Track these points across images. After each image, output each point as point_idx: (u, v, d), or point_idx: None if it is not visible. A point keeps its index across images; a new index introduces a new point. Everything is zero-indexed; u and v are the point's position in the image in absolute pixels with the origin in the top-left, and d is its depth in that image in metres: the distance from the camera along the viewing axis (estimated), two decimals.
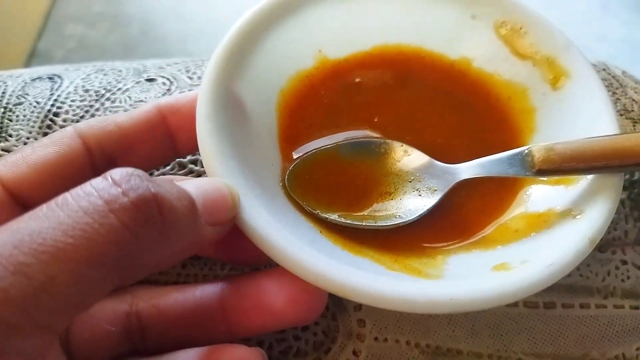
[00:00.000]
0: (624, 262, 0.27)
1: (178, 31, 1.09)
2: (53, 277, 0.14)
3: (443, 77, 0.29)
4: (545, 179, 0.25)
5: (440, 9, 0.29)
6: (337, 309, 0.25)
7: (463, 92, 0.29)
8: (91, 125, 0.22)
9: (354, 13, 0.29)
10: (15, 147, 0.27)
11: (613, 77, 0.36)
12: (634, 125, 0.32)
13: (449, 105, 0.29)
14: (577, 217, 0.23)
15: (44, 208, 0.16)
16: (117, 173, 0.17)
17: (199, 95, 0.23)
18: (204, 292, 0.22)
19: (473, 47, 0.29)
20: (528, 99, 0.28)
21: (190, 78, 0.31)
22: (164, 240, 0.17)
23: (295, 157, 0.26)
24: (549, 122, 0.27)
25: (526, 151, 0.23)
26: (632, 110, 0.32)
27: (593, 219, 0.22)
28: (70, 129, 0.22)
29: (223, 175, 0.21)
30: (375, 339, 0.24)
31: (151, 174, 0.26)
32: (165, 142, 0.24)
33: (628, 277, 0.27)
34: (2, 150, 0.27)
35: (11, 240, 0.15)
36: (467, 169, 0.25)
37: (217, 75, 0.24)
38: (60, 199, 0.16)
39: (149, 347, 0.22)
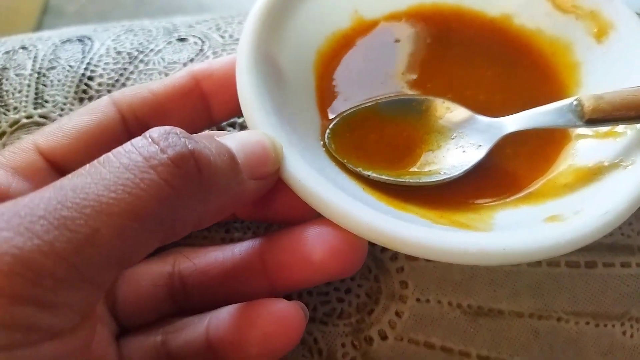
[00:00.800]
0: None
1: None
2: (97, 230, 0.15)
3: (483, 34, 0.29)
4: (594, 129, 0.25)
5: None
6: (379, 271, 0.25)
7: (505, 48, 0.28)
8: (125, 93, 0.23)
9: None
10: (52, 113, 0.27)
11: None
12: None
13: (491, 62, 0.28)
14: (627, 167, 0.22)
15: (87, 166, 0.16)
16: (156, 131, 0.17)
17: (238, 55, 0.23)
18: (243, 248, 0.22)
19: (513, 3, 0.29)
20: (572, 53, 0.27)
21: (222, 37, 0.30)
22: (203, 195, 0.17)
23: (334, 117, 0.26)
24: (595, 77, 0.27)
25: (575, 102, 0.23)
26: None
27: None
28: (105, 98, 0.22)
29: (264, 129, 0.21)
30: (418, 300, 0.24)
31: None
32: (199, 107, 0.24)
33: None
34: (40, 116, 0.27)
35: (55, 195, 0.15)
36: (514, 122, 0.25)
37: (254, 37, 0.23)
38: (102, 157, 0.17)
39: (192, 306, 0.22)
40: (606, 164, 0.24)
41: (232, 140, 0.20)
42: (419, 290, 0.24)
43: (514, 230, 0.21)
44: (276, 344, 0.20)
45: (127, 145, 0.17)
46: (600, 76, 0.26)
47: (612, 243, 0.26)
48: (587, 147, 0.25)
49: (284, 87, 0.24)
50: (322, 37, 0.27)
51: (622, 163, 0.23)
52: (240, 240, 0.25)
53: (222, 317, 0.21)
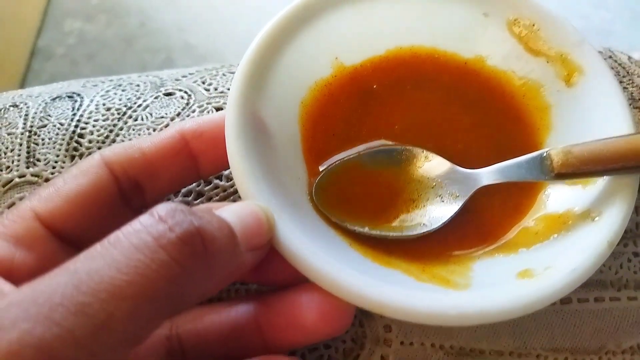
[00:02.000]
0: (636, 254, 0.28)
1: (176, 21, 1.09)
2: (112, 314, 0.15)
3: (457, 77, 0.30)
4: (564, 182, 0.26)
5: (452, 8, 0.29)
6: (363, 316, 0.26)
7: (478, 91, 0.30)
8: (116, 152, 0.23)
9: (366, 18, 0.29)
10: (44, 172, 0.28)
11: (619, 64, 0.36)
12: None
13: (465, 106, 0.29)
14: (595, 219, 0.24)
15: (98, 247, 0.17)
16: (162, 209, 0.18)
17: (226, 119, 0.24)
18: (239, 312, 0.23)
19: (486, 45, 0.30)
20: (543, 96, 0.28)
21: (207, 90, 0.32)
22: (208, 271, 0.18)
23: (320, 169, 0.27)
24: (565, 120, 0.28)
25: (545, 154, 0.24)
26: None
27: (611, 222, 0.23)
28: (97, 157, 0.23)
29: (257, 197, 0.22)
30: (402, 343, 0.25)
31: (188, 203, 0.27)
32: (188, 165, 0.24)
33: None
34: (32, 175, 0.28)
35: (71, 280, 0.16)
36: (487, 175, 0.26)
37: (240, 98, 0.24)
38: (112, 237, 0.17)
39: None
40: (576, 211, 0.25)
41: (229, 213, 0.20)
42: (402, 333, 0.25)
43: (488, 288, 0.23)
44: None
45: (136, 224, 0.18)
46: (569, 119, 0.28)
47: None
48: (559, 194, 0.26)
49: (272, 144, 0.25)
50: (305, 87, 0.28)
51: (590, 214, 0.24)
52: (228, 291, 0.26)
53: None
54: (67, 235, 0.22)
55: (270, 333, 0.22)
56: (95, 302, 0.15)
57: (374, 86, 0.30)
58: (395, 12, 0.29)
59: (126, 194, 0.23)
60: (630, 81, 0.34)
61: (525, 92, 0.29)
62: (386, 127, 0.29)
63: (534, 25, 0.29)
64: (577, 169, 0.24)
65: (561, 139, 0.27)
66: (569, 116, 0.28)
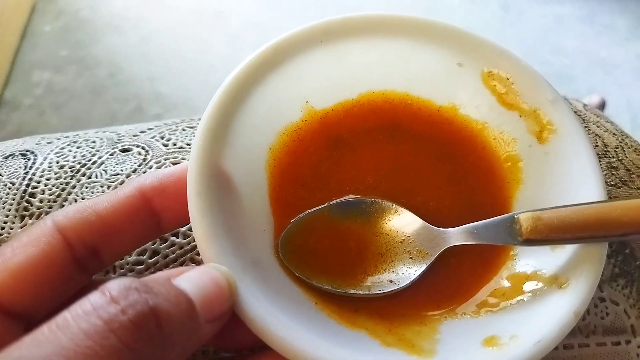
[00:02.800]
0: (602, 299, 0.28)
1: (146, 71, 1.09)
2: None
3: (430, 125, 0.29)
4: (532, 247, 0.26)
5: (427, 56, 0.29)
6: None
7: (450, 141, 0.29)
8: (70, 217, 0.22)
9: (339, 61, 0.29)
10: None
11: (575, 112, 0.37)
12: (600, 161, 0.33)
13: (437, 157, 0.29)
14: (562, 286, 0.23)
15: (45, 331, 0.16)
16: (115, 288, 0.17)
17: (188, 176, 0.23)
18: None
19: (459, 94, 0.29)
20: (514, 149, 0.28)
21: (165, 145, 0.31)
22: (163, 350, 0.17)
23: (287, 219, 0.26)
24: (535, 175, 0.27)
25: (515, 217, 0.24)
26: (596, 146, 0.34)
27: (578, 292, 0.23)
28: (49, 223, 0.22)
29: (218, 259, 0.21)
30: None
31: (142, 262, 0.26)
32: (148, 224, 0.23)
33: (607, 314, 0.28)
34: None
35: None
36: (456, 235, 0.25)
37: (202, 152, 0.23)
38: (60, 320, 0.16)
39: None
40: (544, 274, 0.25)
41: (188, 283, 0.19)
42: None
43: (454, 356, 0.22)
44: None
45: (86, 305, 0.17)
46: (539, 175, 0.27)
47: None
48: (527, 255, 0.26)
49: (237, 198, 0.25)
50: (274, 132, 0.27)
51: (558, 280, 0.24)
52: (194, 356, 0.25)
53: None
54: (16, 310, 0.20)
55: None
56: None
57: (345, 135, 0.29)
58: (368, 57, 0.29)
59: (81, 260, 0.22)
60: (587, 128, 0.35)
61: (497, 145, 0.29)
62: (357, 178, 0.28)
63: (508, 78, 0.28)
64: (545, 236, 0.23)
65: (530, 194, 0.27)
66: (539, 172, 0.27)
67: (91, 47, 1.13)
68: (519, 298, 0.24)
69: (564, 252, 0.25)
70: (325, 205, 0.27)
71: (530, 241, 0.23)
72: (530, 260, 0.25)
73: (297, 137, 0.28)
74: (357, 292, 0.25)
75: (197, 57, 1.06)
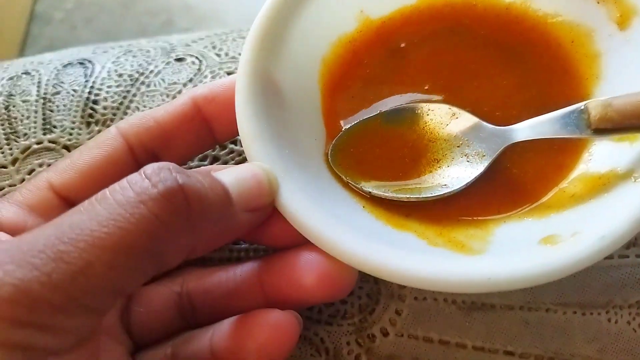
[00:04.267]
0: None
1: None
2: (90, 263, 0.16)
3: (498, 27, 0.27)
4: (604, 138, 0.23)
5: None
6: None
7: (520, 41, 0.27)
8: (131, 123, 0.24)
9: None
10: (61, 138, 0.29)
11: None
12: None
13: (505, 60, 0.27)
14: (637, 180, 0.21)
15: (85, 203, 0.18)
16: (150, 168, 0.18)
17: (237, 81, 0.23)
18: (244, 270, 0.24)
19: None
20: (593, 42, 0.25)
21: (218, 55, 0.31)
22: (193, 228, 0.18)
23: (339, 130, 0.26)
24: (617, 68, 0.25)
25: (582, 107, 0.22)
26: None
27: None
28: (113, 130, 0.24)
29: (262, 159, 0.22)
30: (415, 298, 0.25)
31: (189, 167, 0.27)
32: (203, 132, 0.25)
33: None
34: (50, 141, 0.29)
35: (54, 232, 0.17)
36: (518, 131, 0.24)
37: (251, 60, 0.24)
38: (99, 194, 0.18)
39: (199, 322, 0.24)
40: (619, 171, 0.22)
41: (227, 175, 0.21)
42: (416, 289, 0.26)
43: (504, 255, 0.21)
44: (272, 351, 0.21)
45: (123, 182, 0.18)
46: (622, 68, 0.24)
47: None
48: (603, 151, 0.24)
49: (287, 106, 0.25)
50: (326, 43, 0.27)
51: (633, 174, 0.21)
52: (247, 251, 0.27)
53: (223, 329, 0.22)
54: None
55: (271, 293, 0.23)
56: (74, 250, 0.16)
57: (402, 44, 0.27)
58: None
59: (142, 164, 0.23)
60: None
61: (573, 38, 0.26)
62: (414, 88, 0.27)
63: None
64: (617, 124, 0.21)
65: (612, 90, 0.24)
66: (622, 64, 0.24)
67: None
68: (589, 199, 0.22)
69: None
70: (378, 112, 0.26)
71: (601, 131, 0.21)
72: (606, 158, 0.23)
73: (352, 48, 0.27)
74: (409, 196, 0.24)
75: None
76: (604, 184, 0.22)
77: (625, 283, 0.26)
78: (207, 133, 0.25)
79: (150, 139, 0.24)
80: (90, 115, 0.29)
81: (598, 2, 0.25)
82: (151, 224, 0.17)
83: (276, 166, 0.22)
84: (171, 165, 0.19)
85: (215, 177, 0.20)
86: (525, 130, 0.24)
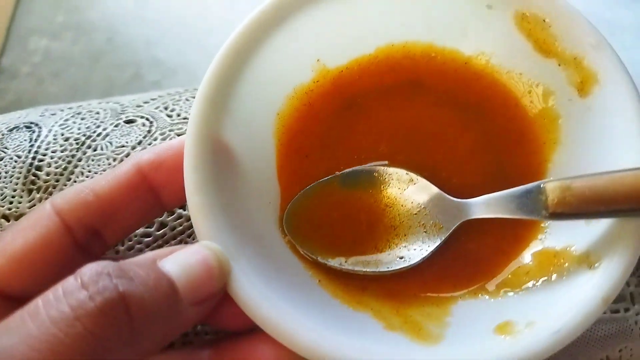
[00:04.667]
0: None
1: (144, 35, 1.08)
2: None
3: (457, 82, 0.26)
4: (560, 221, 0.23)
5: None
6: None
7: (479, 99, 0.26)
8: (68, 199, 0.22)
9: (353, 12, 0.26)
10: (1, 208, 0.27)
11: None
12: None
13: (464, 120, 0.26)
14: (593, 267, 0.21)
15: (17, 318, 0.16)
16: (87, 273, 0.17)
17: (185, 147, 0.22)
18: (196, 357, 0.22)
19: (490, 41, 0.26)
20: (552, 104, 0.25)
21: (170, 116, 0.31)
22: (135, 337, 0.17)
23: (295, 191, 0.25)
24: (575, 134, 0.24)
25: (541, 187, 0.21)
26: None
27: (609, 274, 0.20)
28: (47, 207, 0.22)
29: (212, 236, 0.20)
30: None
31: (150, 235, 0.26)
32: (149, 201, 0.23)
33: None
34: None
35: None
36: (475, 207, 0.23)
37: (200, 123, 0.22)
38: (32, 306, 0.16)
39: None
40: (574, 252, 0.22)
41: (174, 264, 0.19)
42: None
43: (461, 344, 0.21)
44: None
45: (58, 291, 0.17)
46: (580, 134, 0.24)
47: None
48: (558, 226, 0.23)
49: (239, 170, 0.23)
50: (282, 96, 0.25)
51: (589, 259, 0.21)
52: (186, 335, 0.25)
53: None
54: (16, 295, 0.21)
55: None
56: None
57: (359, 97, 0.27)
58: (386, 5, 0.26)
59: (82, 242, 0.22)
60: None
61: (532, 99, 0.25)
62: (370, 147, 0.26)
63: (545, 20, 0.24)
64: (575, 209, 0.20)
65: (568, 156, 0.24)
66: (579, 131, 0.24)
67: (87, 12, 1.11)
68: (544, 278, 0.22)
69: (599, 226, 0.22)
70: (335, 175, 0.25)
71: (558, 215, 0.20)
72: (562, 235, 0.23)
73: (308, 100, 0.26)
74: (365, 270, 0.23)
75: (195, 21, 1.04)
76: (559, 263, 0.22)
77: (588, 341, 0.26)
78: (153, 202, 0.23)
79: (89, 215, 0.22)
80: (33, 182, 0.28)
81: (559, 65, 0.25)
82: (88, 344, 0.16)
83: (228, 242, 0.21)
84: (110, 267, 0.17)
85: (161, 271, 0.19)
86: (482, 207, 0.23)
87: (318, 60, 0.26)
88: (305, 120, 0.26)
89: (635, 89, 0.23)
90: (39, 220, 0.21)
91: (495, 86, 0.26)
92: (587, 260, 0.21)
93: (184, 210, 0.27)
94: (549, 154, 0.25)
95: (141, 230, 0.27)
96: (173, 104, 0.31)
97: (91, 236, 0.22)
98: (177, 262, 0.19)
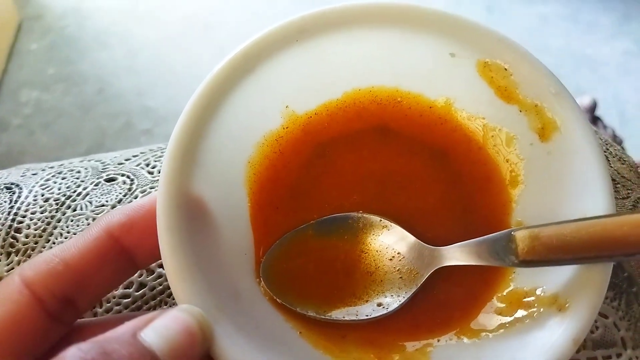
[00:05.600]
0: None
1: (134, 86, 1.09)
2: None
3: (423, 127, 0.27)
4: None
5: (416, 46, 0.26)
6: None
7: (445, 143, 0.27)
8: (37, 270, 0.21)
9: (318, 60, 0.26)
10: None
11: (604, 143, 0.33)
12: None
13: (430, 163, 0.27)
14: (562, 309, 0.22)
15: None
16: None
17: (157, 207, 0.21)
18: None
19: (453, 87, 0.27)
20: (514, 148, 0.26)
21: (151, 173, 0.31)
22: None
23: (270, 240, 0.25)
24: (537, 177, 0.25)
25: (511, 235, 0.22)
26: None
27: (578, 316, 0.21)
28: (16, 280, 0.21)
29: (192, 300, 0.20)
30: None
31: (129, 296, 0.25)
32: (121, 264, 0.22)
33: (597, 328, 0.27)
34: None
35: None
36: (449, 254, 0.24)
37: (172, 179, 0.22)
38: None
39: None
40: (543, 293, 0.23)
41: (155, 334, 0.18)
42: None
43: None
44: None
45: None
46: (542, 177, 0.25)
47: None
48: (527, 271, 0.24)
49: (213, 223, 0.23)
50: (251, 145, 0.26)
51: (558, 300, 0.22)
52: None
53: None
54: None
55: None
56: None
57: (328, 145, 0.27)
58: (350, 51, 0.26)
59: (55, 312, 0.21)
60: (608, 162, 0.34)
61: (495, 143, 0.26)
62: (342, 197, 0.26)
63: (507, 69, 0.25)
64: (543, 257, 0.21)
65: (532, 197, 0.25)
66: (541, 173, 0.25)
67: (78, 63, 1.13)
68: (516, 318, 0.23)
69: (566, 270, 0.23)
70: (309, 223, 0.25)
71: (527, 262, 0.21)
72: (530, 277, 0.24)
73: (278, 148, 0.26)
74: (344, 318, 0.24)
75: (185, 70, 1.06)
76: (529, 304, 0.23)
77: None
78: (126, 264, 0.23)
79: (60, 286, 0.21)
80: (12, 245, 0.27)
81: (520, 111, 0.26)
82: None
83: (207, 303, 0.20)
84: (93, 352, 0.17)
85: (143, 345, 0.18)
86: (456, 254, 0.24)
87: (287, 107, 0.27)
88: (276, 169, 0.26)
89: (594, 135, 0.24)
90: (8, 295, 0.21)
91: (459, 130, 0.27)
92: (556, 302, 0.22)
93: (164, 269, 0.27)
94: (513, 194, 0.26)
95: (120, 291, 0.26)
96: (155, 160, 0.31)
97: (63, 305, 0.21)
98: (158, 333, 0.19)
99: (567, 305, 0.22)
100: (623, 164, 0.33)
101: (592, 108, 0.83)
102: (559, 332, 0.21)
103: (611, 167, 0.32)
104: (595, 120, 0.82)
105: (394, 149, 0.27)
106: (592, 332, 0.27)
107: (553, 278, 0.23)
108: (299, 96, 0.27)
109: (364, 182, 0.27)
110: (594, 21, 1.25)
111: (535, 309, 0.23)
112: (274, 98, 0.26)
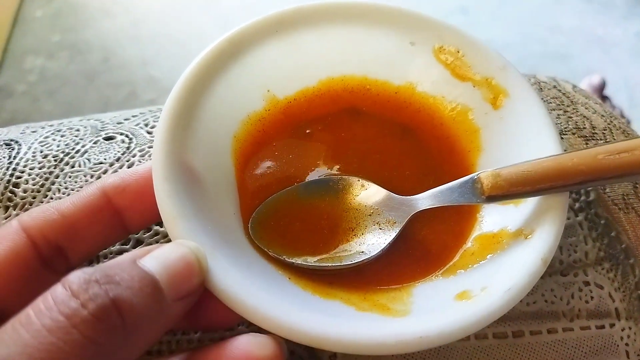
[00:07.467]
0: (587, 283, 0.28)
1: (138, 55, 1.09)
2: None
3: (389, 107, 0.30)
4: (495, 204, 0.26)
5: (380, 38, 0.30)
6: (306, 352, 0.25)
7: (410, 120, 0.30)
8: (34, 217, 0.22)
9: (296, 50, 0.29)
10: None
11: (563, 93, 0.37)
12: (586, 143, 0.33)
13: (399, 138, 0.30)
14: (528, 237, 0.24)
15: (8, 329, 0.16)
16: (75, 281, 0.17)
17: (153, 161, 0.23)
18: None
19: (415, 72, 0.30)
20: (471, 119, 0.29)
21: (150, 133, 0.31)
22: (129, 339, 0.17)
23: (256, 203, 0.27)
24: (494, 141, 0.28)
25: (475, 177, 0.25)
26: (584, 128, 0.33)
27: (544, 239, 0.23)
28: (14, 224, 0.22)
29: (187, 237, 0.21)
30: None
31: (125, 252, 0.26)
32: (112, 223, 0.24)
33: (592, 298, 0.28)
34: None
35: None
36: (423, 200, 0.26)
37: (166, 142, 0.24)
38: (23, 317, 0.16)
39: None
40: (509, 230, 0.25)
41: (154, 261, 0.19)
42: (347, 357, 0.25)
43: (427, 313, 0.23)
44: None
45: (48, 300, 0.17)
46: (498, 141, 0.28)
47: (537, 311, 0.27)
48: (493, 215, 0.27)
49: (203, 186, 0.25)
50: (236, 121, 0.28)
51: (523, 232, 0.24)
52: (169, 343, 0.25)
53: None
54: None
55: None
56: None
57: (308, 126, 0.30)
58: (323, 43, 0.30)
59: (47, 258, 0.22)
60: (575, 110, 0.35)
61: (455, 117, 0.30)
62: (323, 164, 0.29)
63: (458, 52, 0.29)
64: (506, 191, 0.24)
65: (491, 160, 0.28)
66: (497, 137, 0.28)
67: (83, 32, 1.12)
68: (487, 255, 0.25)
69: (526, 207, 0.25)
70: (294, 186, 0.27)
71: (493, 197, 0.24)
72: (496, 219, 0.26)
73: (262, 127, 0.29)
74: (329, 265, 0.25)
75: (189, 40, 1.05)
76: (498, 241, 0.25)
77: (572, 358, 0.27)
78: (118, 224, 0.24)
79: (55, 233, 0.22)
80: (9, 199, 0.28)
81: (474, 86, 0.29)
82: (87, 350, 0.16)
83: (202, 242, 0.22)
84: (97, 274, 0.17)
85: (143, 270, 0.19)
86: (428, 199, 0.26)
87: (268, 91, 0.29)
88: (260, 145, 0.29)
89: (538, 97, 0.28)
90: (7, 235, 0.22)
91: (423, 110, 0.30)
92: (522, 233, 0.25)
93: (161, 227, 0.27)
94: (475, 159, 0.29)
95: (117, 247, 0.27)
96: (154, 121, 0.32)
97: (55, 253, 0.22)
98: (157, 260, 0.20)
99: (532, 232, 0.24)
100: (627, 137, 0.33)
101: (601, 87, 0.82)
102: (527, 253, 0.23)
103: (614, 139, 0.32)
104: (603, 99, 0.81)
105: (369, 130, 0.30)
106: (586, 302, 0.28)
107: (517, 217, 0.26)
108: (278, 82, 0.30)
109: (345, 157, 0.29)
110: (608, 2, 1.23)
111: (504, 243, 0.25)
112: (257, 82, 0.29)
